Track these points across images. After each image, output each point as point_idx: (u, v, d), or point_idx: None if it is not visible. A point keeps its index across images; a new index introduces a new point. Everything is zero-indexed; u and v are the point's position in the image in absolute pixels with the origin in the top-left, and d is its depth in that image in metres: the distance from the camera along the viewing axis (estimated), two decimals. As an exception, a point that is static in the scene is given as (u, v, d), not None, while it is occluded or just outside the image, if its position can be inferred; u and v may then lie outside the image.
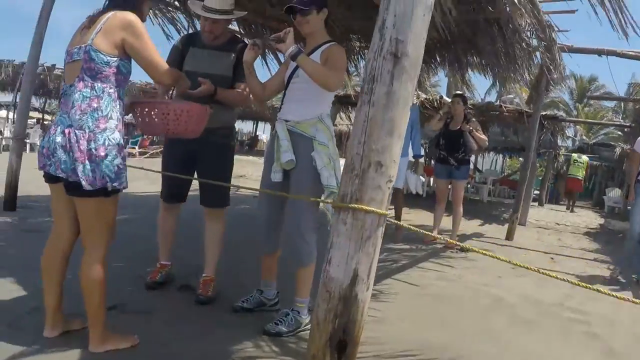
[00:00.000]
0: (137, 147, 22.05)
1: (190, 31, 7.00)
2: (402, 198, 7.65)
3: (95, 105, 2.71)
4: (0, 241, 5.16)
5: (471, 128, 7.57)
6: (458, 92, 8.97)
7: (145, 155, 20.95)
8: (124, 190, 2.88)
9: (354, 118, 2.33)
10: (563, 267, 7.23)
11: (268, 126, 36.89)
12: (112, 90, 2.78)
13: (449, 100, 12.64)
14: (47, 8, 6.82)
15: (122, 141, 2.81)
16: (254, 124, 40.09)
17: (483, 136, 7.75)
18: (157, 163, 4.21)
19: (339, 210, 2.28)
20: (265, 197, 3.61)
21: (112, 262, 3.13)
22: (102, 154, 2.68)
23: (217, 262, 4.11)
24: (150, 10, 7.36)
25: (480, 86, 48.51)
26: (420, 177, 8.60)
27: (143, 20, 2.94)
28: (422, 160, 7.68)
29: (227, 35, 4.09)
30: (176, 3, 7.15)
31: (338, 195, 2.32)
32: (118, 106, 2.81)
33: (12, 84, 19.96)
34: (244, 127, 43.60)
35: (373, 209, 2.24)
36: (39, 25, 6.83)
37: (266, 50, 7.91)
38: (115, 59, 2.76)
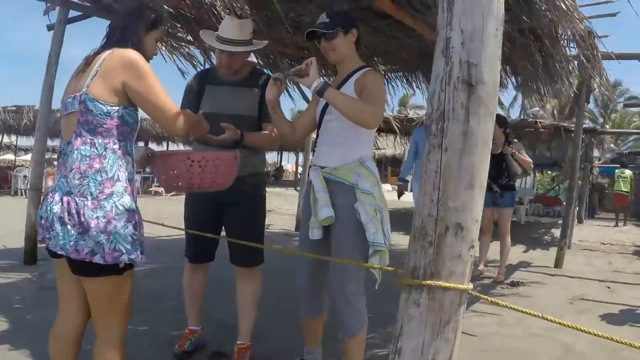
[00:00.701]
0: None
1: (207, 66, 6.61)
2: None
3: (97, 165, 2.23)
4: (18, 302, 4.81)
5: (514, 150, 7.01)
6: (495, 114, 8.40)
7: (172, 193, 20.58)
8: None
9: (421, 167, 1.82)
10: (622, 297, 6.64)
11: (293, 156, 36.53)
12: (116, 146, 2.29)
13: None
14: (55, 49, 6.51)
15: (134, 206, 2.32)
16: (278, 153, 39.93)
17: (527, 158, 7.17)
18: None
19: (409, 289, 1.77)
20: (305, 258, 3.10)
21: (134, 324, 2.83)
22: (111, 223, 2.20)
23: (254, 327, 3.63)
24: (163, 47, 7.06)
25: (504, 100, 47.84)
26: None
27: (149, 57, 2.49)
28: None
29: (247, 68, 3.61)
30: (189, 37, 6.75)
31: (406, 268, 1.81)
32: (126, 164, 2.33)
33: (34, 129, 19.70)
34: (268, 157, 43.33)
35: (453, 284, 1.73)
36: (49, 68, 6.57)
37: (289, 82, 7.53)
38: (116, 107, 2.28)
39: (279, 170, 39.02)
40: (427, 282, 1.71)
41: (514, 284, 6.91)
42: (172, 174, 2.63)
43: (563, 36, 5.82)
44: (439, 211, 1.71)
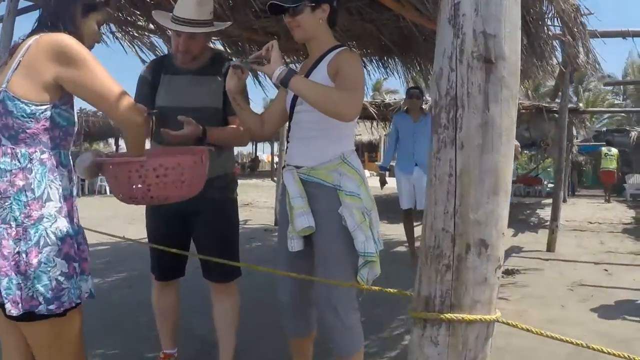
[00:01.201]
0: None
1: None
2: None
3: (20, 182, 1.79)
4: None
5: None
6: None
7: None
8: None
9: (429, 170, 1.43)
10: (621, 280, 6.37)
11: (268, 146, 36.02)
12: (45, 156, 1.85)
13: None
14: (5, 43, 5.91)
15: (72, 230, 1.88)
16: (253, 144, 39.21)
17: (514, 141, 6.82)
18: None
19: (423, 324, 1.39)
20: (285, 270, 2.66)
21: (106, 341, 2.70)
22: (34, 260, 1.75)
23: (235, 346, 3.23)
24: (123, 36, 6.58)
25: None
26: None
27: (89, 44, 2.06)
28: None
29: (208, 53, 3.14)
30: (151, 26, 6.27)
31: (415, 298, 1.43)
32: (60, 178, 1.89)
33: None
34: (243, 148, 42.74)
35: (479, 316, 1.36)
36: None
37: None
38: (44, 106, 1.83)
39: (255, 161, 38.45)
40: (447, 315, 1.35)
41: (509, 272, 6.58)
42: (127, 185, 2.19)
43: (548, 13, 5.50)
44: (457, 225, 1.35)
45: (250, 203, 15.20)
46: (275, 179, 16.57)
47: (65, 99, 1.91)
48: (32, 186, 1.81)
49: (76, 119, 2.00)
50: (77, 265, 1.88)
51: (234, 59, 2.68)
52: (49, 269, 1.77)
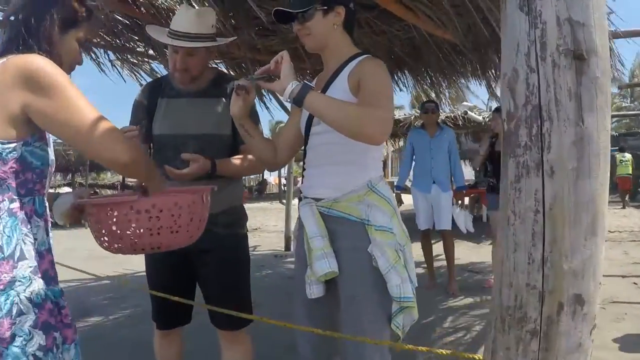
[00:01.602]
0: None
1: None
2: (452, 242, 6.38)
3: None
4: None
5: (522, 146, 6.27)
6: (498, 105, 7.65)
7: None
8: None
9: (502, 206, 1.08)
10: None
11: (275, 168, 35.65)
12: (15, 205, 1.52)
13: (477, 116, 11.54)
14: None
15: (52, 292, 1.56)
16: (259, 167, 38.82)
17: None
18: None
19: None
20: (305, 318, 2.28)
21: None
22: (6, 334, 1.42)
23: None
24: (122, 63, 6.29)
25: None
26: (467, 211, 7.31)
27: (68, 65, 1.73)
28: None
29: (210, 74, 2.77)
30: (151, 51, 5.97)
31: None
32: (35, 230, 1.56)
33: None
34: (249, 171, 42.50)
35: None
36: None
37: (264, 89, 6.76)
38: (12, 145, 1.49)
39: (262, 184, 38.06)
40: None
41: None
42: (112, 230, 1.82)
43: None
44: (547, 279, 1.00)
45: (259, 228, 14.83)
46: (283, 201, 16.26)
47: (39, 134, 1.57)
48: (1, 243, 1.48)
49: (53, 157, 1.66)
50: (58, 335, 1.54)
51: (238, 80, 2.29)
52: (24, 343, 1.45)
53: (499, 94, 8.65)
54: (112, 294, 6.62)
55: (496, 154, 6.44)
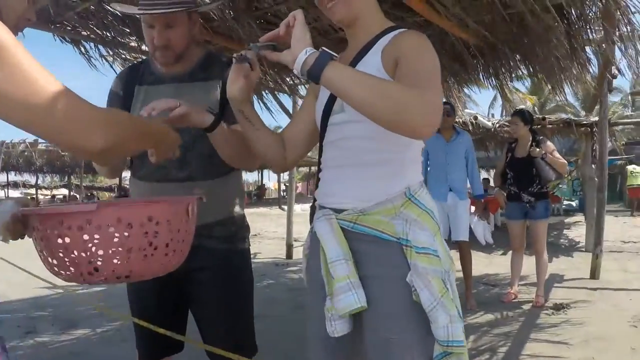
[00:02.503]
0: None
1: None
2: (470, 253, 5.93)
3: None
4: None
5: (544, 152, 5.81)
6: (517, 108, 7.21)
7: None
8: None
9: None
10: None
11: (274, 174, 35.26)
12: None
13: (486, 121, 11.09)
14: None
15: None
16: (258, 172, 38.41)
17: (561, 159, 5.95)
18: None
19: None
20: None
21: None
22: None
23: None
24: (114, 58, 5.89)
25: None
26: (485, 222, 6.91)
27: (14, 22, 1.30)
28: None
29: (198, 52, 2.30)
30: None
31: None
32: None
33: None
34: (248, 176, 42.18)
35: None
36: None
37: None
38: None
39: (261, 188, 37.73)
40: None
41: (559, 308, 5.79)
42: (63, 251, 1.37)
43: (590, 14, 4.79)
44: None
45: (259, 234, 14.46)
46: (283, 207, 15.80)
47: None
48: None
49: None
50: None
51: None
52: None
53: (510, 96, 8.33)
54: (103, 303, 6.17)
55: (517, 161, 6.04)
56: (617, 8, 4.38)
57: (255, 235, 13.75)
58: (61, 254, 1.35)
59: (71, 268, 1.37)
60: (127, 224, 1.36)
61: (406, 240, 1.59)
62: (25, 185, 30.07)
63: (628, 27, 5.04)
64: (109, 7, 4.61)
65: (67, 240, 1.33)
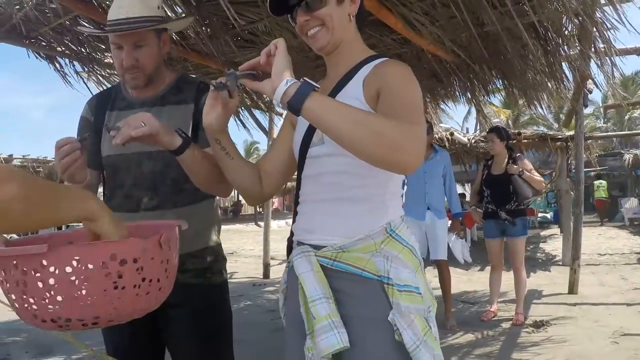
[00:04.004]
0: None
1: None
2: (449, 271, 5.89)
3: None
4: None
5: (521, 169, 5.77)
6: (493, 125, 7.19)
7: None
8: None
9: None
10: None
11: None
12: None
13: (461, 137, 11.10)
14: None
15: None
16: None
17: (538, 176, 5.92)
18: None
19: None
20: None
21: None
22: None
23: None
24: (89, 76, 5.80)
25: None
26: (464, 240, 6.88)
27: None
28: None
29: (169, 75, 2.22)
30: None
31: None
32: None
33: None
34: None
35: None
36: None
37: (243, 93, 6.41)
38: None
39: (237, 205, 37.50)
40: None
41: (539, 325, 5.75)
42: (22, 296, 1.26)
43: (566, 32, 4.83)
44: None
45: (235, 252, 14.31)
46: (260, 223, 15.65)
47: None
48: None
49: None
50: None
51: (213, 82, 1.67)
52: None
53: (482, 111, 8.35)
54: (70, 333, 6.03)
55: (493, 178, 6.03)
56: (593, 25, 4.40)
57: (232, 253, 13.60)
58: (22, 299, 1.25)
59: (35, 314, 1.26)
60: (85, 264, 1.23)
61: (387, 278, 1.54)
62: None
63: (604, 44, 5.10)
64: (82, 25, 4.51)
65: (25, 284, 1.22)
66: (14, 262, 1.21)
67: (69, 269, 1.21)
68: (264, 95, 6.70)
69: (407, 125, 1.39)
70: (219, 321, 2.18)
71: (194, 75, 5.78)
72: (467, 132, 15.40)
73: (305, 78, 1.41)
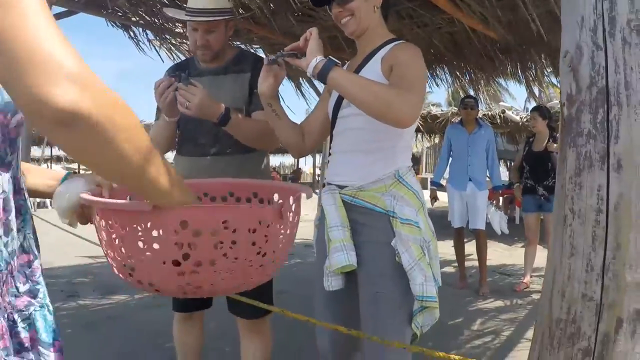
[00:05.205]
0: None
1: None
2: (486, 242, 6.20)
3: None
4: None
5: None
6: (537, 105, 7.42)
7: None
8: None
9: (556, 201, 0.94)
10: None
11: (310, 158, 35.56)
12: None
13: (514, 116, 11.26)
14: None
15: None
16: (295, 155, 38.73)
17: None
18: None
19: None
20: (323, 316, 2.22)
21: None
22: None
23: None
24: (160, 44, 6.23)
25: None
26: (502, 212, 7.14)
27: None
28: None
29: (232, 51, 2.78)
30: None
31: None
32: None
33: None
34: (285, 160, 43.03)
35: None
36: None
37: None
38: None
39: (297, 172, 38.02)
40: None
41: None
42: (121, 253, 1.22)
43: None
44: (607, 291, 0.85)
45: (296, 218, 14.73)
46: (317, 191, 16.02)
47: None
48: None
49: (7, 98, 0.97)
50: None
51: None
52: None
53: (537, 93, 8.45)
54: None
55: (533, 154, 6.27)
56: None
57: (294, 219, 14.00)
58: (121, 256, 1.22)
59: (130, 272, 1.25)
60: (194, 230, 1.15)
61: (393, 213, 2.00)
62: (67, 159, 30.46)
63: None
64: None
65: (122, 241, 1.19)
66: (112, 220, 1.18)
67: (174, 235, 1.15)
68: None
69: (403, 91, 1.85)
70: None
71: (252, 50, 6.16)
72: (528, 111, 15.39)
73: (330, 57, 1.90)
